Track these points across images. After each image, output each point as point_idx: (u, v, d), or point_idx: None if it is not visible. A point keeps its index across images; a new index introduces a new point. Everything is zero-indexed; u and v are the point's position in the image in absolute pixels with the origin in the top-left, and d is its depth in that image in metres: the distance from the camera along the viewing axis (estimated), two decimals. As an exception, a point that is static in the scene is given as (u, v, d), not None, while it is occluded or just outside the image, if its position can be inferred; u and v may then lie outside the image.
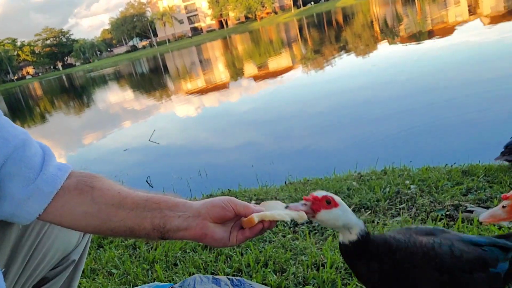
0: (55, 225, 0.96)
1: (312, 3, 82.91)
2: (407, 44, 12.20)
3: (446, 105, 5.25)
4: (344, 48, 15.08)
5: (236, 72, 16.00)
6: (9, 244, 0.93)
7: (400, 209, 2.00)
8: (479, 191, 2.05)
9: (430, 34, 12.69)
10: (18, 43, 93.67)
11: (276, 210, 0.79)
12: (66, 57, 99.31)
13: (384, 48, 12.84)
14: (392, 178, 2.46)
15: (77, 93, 26.10)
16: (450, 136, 4.17)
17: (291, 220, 0.80)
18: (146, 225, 0.78)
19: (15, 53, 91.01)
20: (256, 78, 12.89)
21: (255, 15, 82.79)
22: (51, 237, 1.00)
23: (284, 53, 19.20)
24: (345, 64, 11.57)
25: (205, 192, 3.13)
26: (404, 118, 5.15)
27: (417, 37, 12.99)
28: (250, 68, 16.20)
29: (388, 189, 2.27)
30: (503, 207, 0.71)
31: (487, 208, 1.84)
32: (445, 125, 4.54)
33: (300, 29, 34.93)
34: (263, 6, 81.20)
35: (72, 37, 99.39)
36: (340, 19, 35.16)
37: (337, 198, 0.82)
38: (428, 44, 10.94)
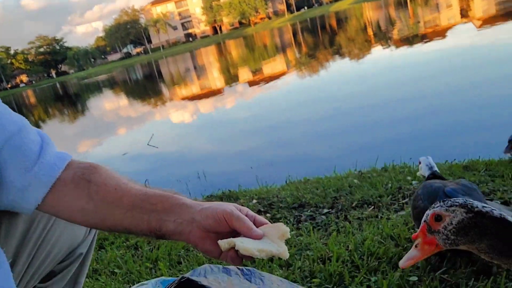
0: None
1: (306, 8, 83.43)
2: (402, 47, 12.29)
3: (443, 105, 5.29)
4: (339, 53, 15.16)
5: (231, 78, 16.02)
6: (16, 236, 0.91)
7: (403, 203, 2.00)
8: (481, 185, 2.06)
9: (424, 38, 12.79)
10: (12, 52, 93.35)
11: (253, 243, 0.70)
12: (60, 65, 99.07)
13: (379, 52, 12.92)
14: (393, 175, 2.46)
15: (71, 101, 26.01)
16: (448, 134, 4.20)
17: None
18: (143, 227, 0.76)
19: (9, 61, 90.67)
20: (251, 83, 12.91)
21: (249, 20, 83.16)
22: (58, 230, 0.99)
23: (278, 58, 19.26)
24: (340, 68, 11.63)
25: (204, 194, 3.12)
26: (403, 119, 5.18)
27: (410, 40, 13.08)
28: (245, 74, 16.23)
29: (390, 185, 2.27)
30: (416, 246, 0.71)
31: (491, 200, 1.85)
32: (443, 124, 4.57)
33: (294, 34, 35.11)
34: (256, 12, 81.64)
35: (66, 44, 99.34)
36: (334, 23, 35.38)
37: None
38: (423, 47, 11.01)
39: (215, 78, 17.81)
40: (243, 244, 0.69)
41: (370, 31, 20.74)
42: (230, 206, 0.75)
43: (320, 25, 37.78)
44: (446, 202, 0.68)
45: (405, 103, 5.92)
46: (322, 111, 6.80)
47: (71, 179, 0.80)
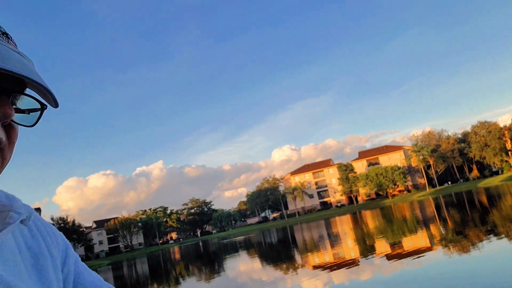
0: None
1: (449, 183, 79.64)
2: None
3: None
4: (493, 232, 13.46)
5: (367, 249, 15.25)
6: None
7: None
8: None
9: None
10: (168, 211, 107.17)
11: None
12: (205, 225, 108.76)
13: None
14: None
15: (210, 259, 27.44)
16: None
17: None
18: None
19: (164, 219, 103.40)
20: (389, 257, 12.02)
21: (387, 192, 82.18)
22: None
23: (420, 232, 17.95)
24: (496, 250, 10.15)
25: None
26: None
27: None
28: (382, 246, 15.33)
29: None
30: None
31: None
32: None
33: (437, 208, 33.02)
34: (394, 184, 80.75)
35: (213, 207, 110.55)
36: (484, 199, 32.54)
37: None
38: None
39: (350, 248, 17.14)
40: None
41: (531, 209, 18.32)
42: None
43: (468, 200, 35.11)
44: None
45: None
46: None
47: None
